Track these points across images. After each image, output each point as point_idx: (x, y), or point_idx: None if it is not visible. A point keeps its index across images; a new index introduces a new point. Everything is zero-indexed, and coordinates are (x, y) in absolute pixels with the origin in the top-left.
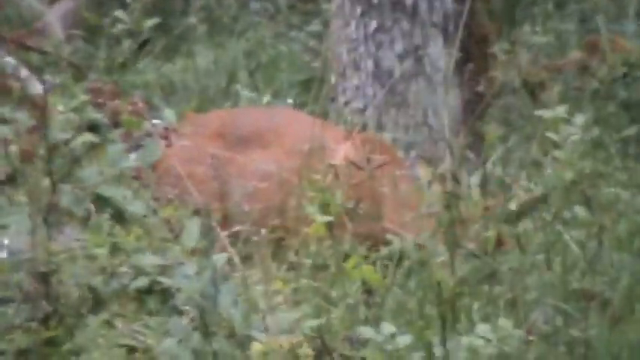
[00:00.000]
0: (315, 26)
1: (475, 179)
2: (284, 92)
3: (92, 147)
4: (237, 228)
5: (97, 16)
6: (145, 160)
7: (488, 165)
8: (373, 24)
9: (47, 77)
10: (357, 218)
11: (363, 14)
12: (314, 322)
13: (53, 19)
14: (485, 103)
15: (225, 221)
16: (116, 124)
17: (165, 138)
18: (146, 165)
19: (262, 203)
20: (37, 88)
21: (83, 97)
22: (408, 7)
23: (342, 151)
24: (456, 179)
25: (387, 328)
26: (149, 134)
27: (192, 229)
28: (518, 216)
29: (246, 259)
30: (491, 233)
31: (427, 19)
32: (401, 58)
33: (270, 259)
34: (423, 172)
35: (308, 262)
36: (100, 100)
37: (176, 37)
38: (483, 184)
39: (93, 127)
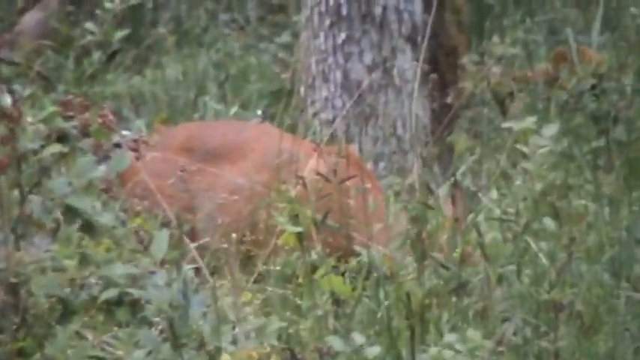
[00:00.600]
0: (284, 38)
1: (443, 190)
2: (253, 104)
3: (61, 157)
4: (206, 239)
5: (67, 27)
6: (113, 171)
7: (457, 176)
8: (342, 35)
9: (17, 88)
10: (326, 229)
11: (332, 26)
12: (283, 333)
13: (22, 29)
14: (454, 115)
15: (194, 233)
16: (86, 136)
17: (135, 150)
18: (114, 175)
19: (231, 216)
20: (6, 99)
21: (52, 109)
22: (377, 19)
23: (311, 164)
24: (423, 190)
25: (357, 339)
26: (118, 145)
27: (162, 241)
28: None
29: (216, 270)
30: (459, 244)
31: (396, 30)
32: (370, 69)
33: (238, 271)
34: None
35: (276, 271)
36: (69, 113)
37: (145, 48)
38: (453, 196)
39: (62, 138)
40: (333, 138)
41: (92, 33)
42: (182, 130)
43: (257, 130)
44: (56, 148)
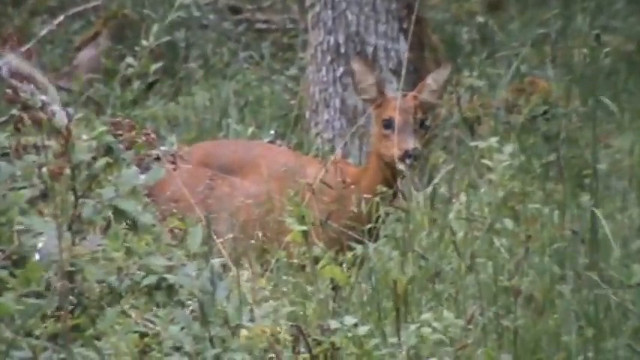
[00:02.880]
0: (292, 71)
1: (422, 196)
2: (267, 125)
3: (108, 167)
4: (229, 236)
5: (113, 61)
6: (151, 179)
7: (433, 185)
8: (340, 69)
9: (70, 110)
10: (327, 228)
11: (332, 61)
12: (291, 313)
13: (78, 64)
14: (431, 134)
15: (217, 232)
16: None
17: (173, 163)
18: (151, 183)
19: (248, 217)
20: (64, 120)
21: (102, 128)
22: (369, 56)
23: (315, 173)
24: (404, 196)
25: (350, 320)
26: (158, 158)
27: (196, 235)
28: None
29: (236, 261)
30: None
31: (385, 65)
32: None
33: (255, 262)
34: None
35: (286, 263)
36: (119, 132)
37: (179, 79)
38: (432, 200)
39: (109, 152)
40: (332, 153)
41: (132, 66)
42: (198, 149)
43: (263, 148)
44: (105, 160)
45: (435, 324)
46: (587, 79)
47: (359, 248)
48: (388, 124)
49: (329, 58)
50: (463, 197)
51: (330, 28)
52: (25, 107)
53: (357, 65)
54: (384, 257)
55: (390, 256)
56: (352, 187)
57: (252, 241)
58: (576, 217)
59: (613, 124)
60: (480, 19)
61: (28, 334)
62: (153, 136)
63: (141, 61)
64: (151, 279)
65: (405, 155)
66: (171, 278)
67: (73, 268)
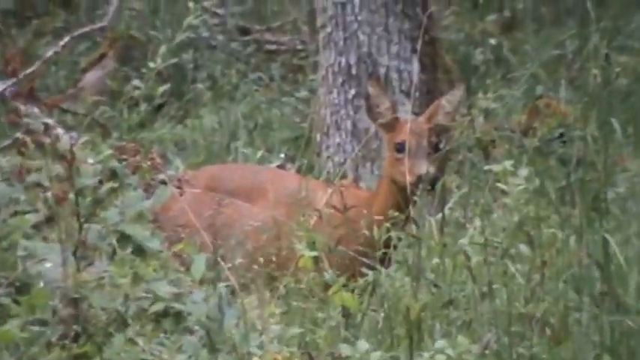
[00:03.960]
0: (303, 93)
1: (433, 221)
2: (277, 148)
3: (113, 192)
4: (239, 261)
5: (119, 83)
6: (157, 202)
7: (446, 210)
8: (352, 91)
9: (73, 134)
10: (338, 254)
11: (343, 83)
12: (302, 340)
13: (84, 85)
14: (444, 158)
15: (224, 258)
16: (135, 174)
17: (179, 187)
18: (157, 207)
19: (256, 243)
20: (68, 143)
21: (108, 152)
22: (382, 77)
23: (324, 198)
24: (416, 223)
25: (363, 345)
26: (164, 182)
27: (200, 263)
28: None
29: (244, 288)
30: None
31: (397, 87)
32: None
33: (264, 288)
34: None
35: (296, 289)
36: (123, 156)
37: (187, 102)
38: (442, 226)
39: (114, 175)
40: (343, 177)
41: (138, 88)
42: (204, 173)
43: (271, 172)
44: (110, 184)
45: (449, 351)
46: (603, 100)
47: (371, 274)
48: (401, 147)
49: (340, 80)
50: (477, 222)
51: (342, 49)
52: (29, 130)
53: (372, 89)
54: (397, 283)
55: (403, 283)
56: (364, 211)
57: (261, 268)
58: (592, 242)
59: (631, 147)
60: (494, 40)
61: None
62: (158, 160)
63: (148, 83)
64: (159, 306)
65: (419, 180)
66: (178, 306)
67: (78, 295)
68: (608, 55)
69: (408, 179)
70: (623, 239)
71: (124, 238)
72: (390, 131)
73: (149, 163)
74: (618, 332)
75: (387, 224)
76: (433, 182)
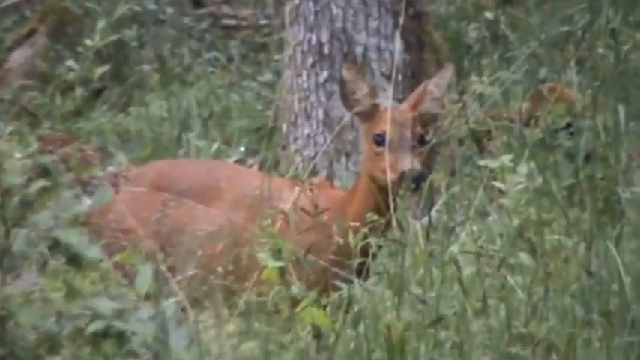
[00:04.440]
0: (266, 76)
1: (419, 226)
2: (236, 140)
3: (44, 192)
4: (190, 272)
5: (51, 65)
6: (97, 204)
7: (433, 212)
8: (324, 74)
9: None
10: (308, 264)
11: (314, 64)
12: None
13: (11, 67)
14: (430, 152)
15: (173, 268)
16: (69, 171)
17: (115, 185)
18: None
19: (210, 251)
20: None
21: (34, 146)
22: (359, 58)
23: (291, 199)
24: (399, 227)
25: None
26: (101, 180)
27: (145, 275)
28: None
29: (198, 303)
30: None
31: (377, 69)
32: None
33: (220, 304)
34: None
35: (258, 304)
36: (49, 148)
37: (130, 86)
38: (428, 231)
39: (46, 173)
40: (314, 174)
41: (73, 70)
42: (151, 170)
43: (230, 169)
44: (42, 183)
45: None
46: (616, 85)
47: (345, 288)
48: (380, 140)
49: (310, 61)
50: (470, 227)
51: (312, 25)
52: None
53: (347, 73)
54: (376, 298)
55: (383, 297)
56: (337, 214)
57: (217, 280)
58: (604, 250)
59: None
60: (490, 14)
61: None
62: (91, 153)
63: (84, 63)
64: (98, 325)
65: (401, 178)
66: (120, 324)
67: (3, 312)
68: (614, 31)
69: (390, 177)
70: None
71: (57, 246)
72: (368, 121)
73: (80, 156)
74: (634, 355)
75: (365, 229)
76: (418, 180)
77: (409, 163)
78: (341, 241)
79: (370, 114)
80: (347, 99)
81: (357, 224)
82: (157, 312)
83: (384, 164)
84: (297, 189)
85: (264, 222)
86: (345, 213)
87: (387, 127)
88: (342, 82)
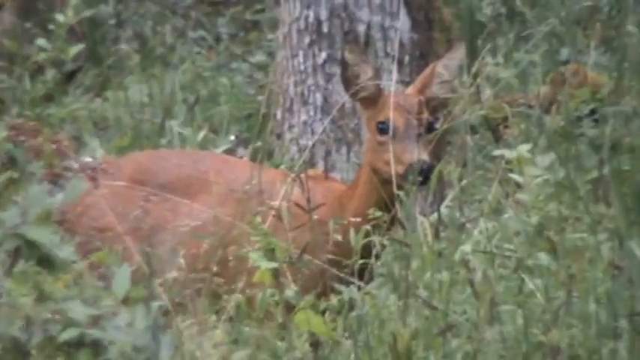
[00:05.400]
0: (258, 57)
1: (427, 223)
2: (225, 128)
3: (13, 184)
4: (173, 274)
5: (19, 44)
6: (69, 198)
7: (443, 208)
8: (323, 55)
9: None
10: (304, 265)
11: (311, 44)
12: None
13: None
14: (439, 141)
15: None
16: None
17: (93, 179)
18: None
19: (195, 251)
20: None
21: (3, 133)
22: (361, 37)
23: (282, 192)
24: (403, 225)
25: None
26: (75, 173)
27: (124, 278)
28: None
29: (182, 307)
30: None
31: (381, 49)
32: None
33: (206, 309)
34: None
35: (248, 310)
36: (20, 138)
37: (107, 68)
38: (437, 229)
39: (13, 163)
40: (312, 165)
41: (44, 50)
42: (130, 161)
43: (217, 160)
44: (8, 174)
45: None
46: None
47: (346, 291)
48: (385, 128)
49: (307, 40)
50: (483, 224)
51: (309, 1)
52: None
53: (349, 54)
54: (379, 303)
55: (387, 302)
56: (337, 210)
57: (203, 282)
58: (632, 249)
59: None
60: None
61: None
62: (66, 143)
63: (56, 43)
64: (71, 332)
65: (408, 170)
66: (96, 332)
67: None
68: None
69: (394, 169)
70: None
71: (26, 245)
72: (371, 107)
73: (53, 146)
74: None
75: (367, 227)
76: (426, 173)
77: (416, 153)
78: (340, 239)
79: (373, 99)
80: (348, 82)
81: (359, 220)
82: (138, 318)
83: (388, 155)
84: (292, 182)
85: (254, 218)
86: (344, 208)
87: (391, 114)
88: (344, 65)
